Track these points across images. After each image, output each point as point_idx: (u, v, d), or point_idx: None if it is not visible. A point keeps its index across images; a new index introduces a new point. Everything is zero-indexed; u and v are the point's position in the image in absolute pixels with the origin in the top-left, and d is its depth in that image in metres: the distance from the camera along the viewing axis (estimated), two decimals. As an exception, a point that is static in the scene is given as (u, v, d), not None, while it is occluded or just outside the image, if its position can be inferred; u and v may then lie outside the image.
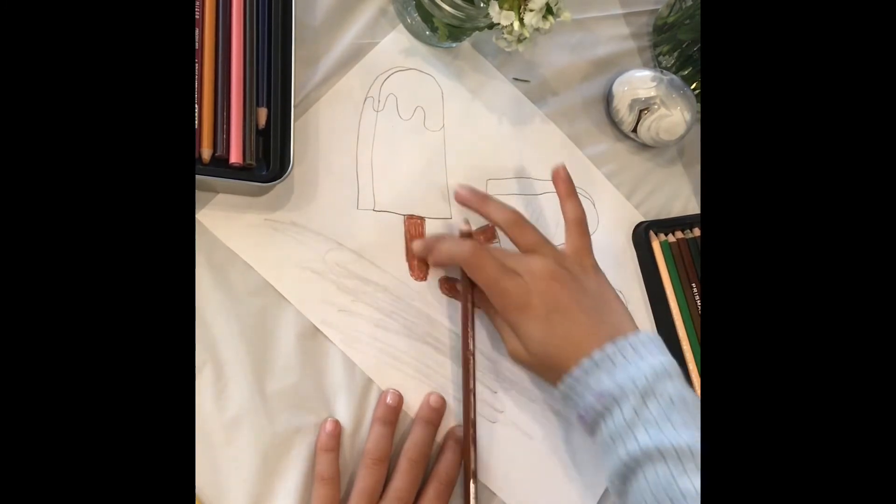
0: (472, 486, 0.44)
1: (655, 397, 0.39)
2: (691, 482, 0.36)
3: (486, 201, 0.47)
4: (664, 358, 0.42)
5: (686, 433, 0.38)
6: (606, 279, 0.46)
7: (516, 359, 0.46)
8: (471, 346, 0.46)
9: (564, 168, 0.48)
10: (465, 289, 0.47)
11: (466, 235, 0.49)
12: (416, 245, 0.48)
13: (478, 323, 0.49)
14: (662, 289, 0.55)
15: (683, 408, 0.40)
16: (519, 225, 0.46)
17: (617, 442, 0.40)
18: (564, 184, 0.48)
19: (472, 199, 0.48)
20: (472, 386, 0.46)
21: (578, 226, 0.47)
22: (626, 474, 0.39)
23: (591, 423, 0.42)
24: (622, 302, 0.46)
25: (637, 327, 0.44)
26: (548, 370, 0.44)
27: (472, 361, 0.46)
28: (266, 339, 0.44)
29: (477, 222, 0.51)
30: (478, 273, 0.45)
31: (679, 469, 0.37)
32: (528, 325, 0.43)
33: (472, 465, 0.44)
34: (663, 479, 0.37)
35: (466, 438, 0.45)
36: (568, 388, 0.42)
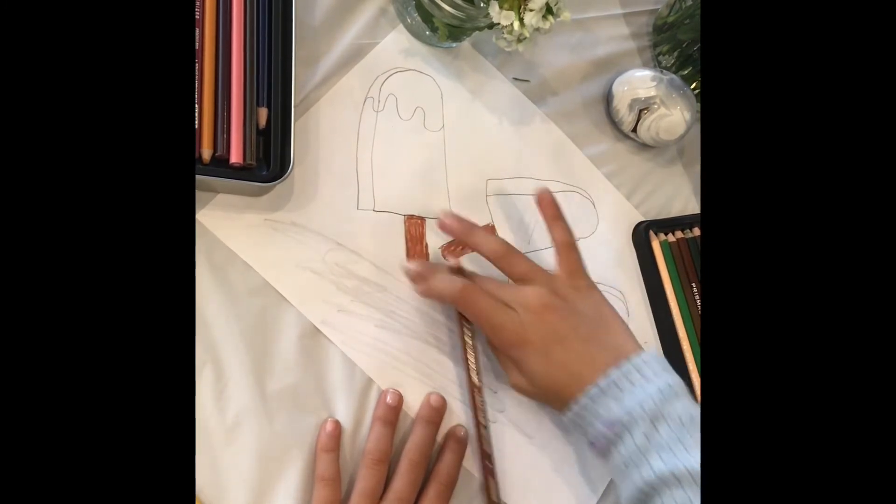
0: (491, 481, 0.45)
1: (665, 420, 0.39)
2: None
3: (472, 232, 0.46)
4: (669, 377, 0.41)
5: (699, 454, 0.38)
6: (603, 297, 0.45)
7: (520, 390, 0.45)
8: (476, 380, 0.46)
9: (549, 192, 0.47)
10: (460, 326, 0.47)
11: (457, 271, 0.46)
12: (410, 270, 0.46)
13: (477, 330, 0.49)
14: (662, 289, 0.55)
15: (693, 427, 0.40)
16: (508, 256, 0.45)
17: (631, 468, 0.39)
18: (550, 208, 0.47)
19: (458, 229, 0.46)
20: (481, 420, 0.45)
21: (568, 248, 0.46)
22: (644, 500, 0.39)
23: (603, 449, 0.41)
24: (621, 319, 0.45)
25: (639, 345, 0.44)
26: (554, 400, 0.44)
27: (476, 395, 0.46)
28: (266, 339, 0.44)
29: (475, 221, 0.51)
30: (470, 311, 0.44)
31: (695, 492, 0.37)
32: (527, 359, 0.43)
33: (490, 463, 0.45)
34: (680, 503, 0.37)
35: (480, 443, 0.45)
36: (576, 416, 0.42)
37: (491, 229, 0.51)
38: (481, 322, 0.44)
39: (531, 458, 0.48)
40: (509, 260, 0.45)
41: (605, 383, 0.41)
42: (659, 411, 0.39)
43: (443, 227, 0.46)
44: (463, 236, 0.46)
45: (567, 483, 0.48)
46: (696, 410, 0.41)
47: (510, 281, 0.46)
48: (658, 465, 0.38)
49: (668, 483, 0.38)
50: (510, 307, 0.43)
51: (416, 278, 0.46)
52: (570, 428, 0.44)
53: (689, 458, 0.38)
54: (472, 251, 0.47)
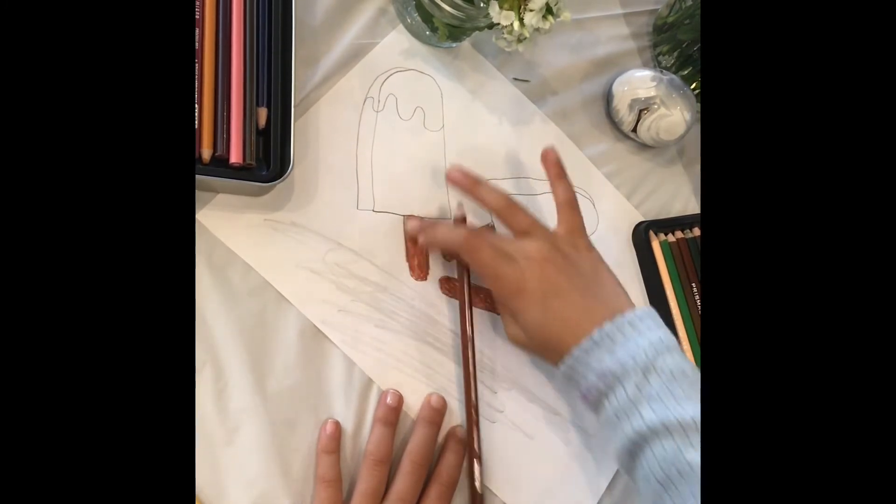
0: (476, 467, 0.44)
1: (656, 372, 0.40)
2: (697, 454, 0.37)
3: (478, 185, 0.47)
4: (661, 332, 0.42)
5: (689, 406, 0.39)
6: (600, 256, 0.47)
7: (516, 342, 0.46)
8: (469, 332, 0.46)
9: (554, 150, 0.48)
10: (461, 277, 0.48)
11: (461, 221, 0.49)
12: (411, 224, 0.48)
13: (477, 322, 0.49)
14: (662, 288, 0.55)
15: (684, 380, 0.40)
16: (511, 208, 0.46)
17: (622, 419, 0.40)
18: (555, 166, 0.48)
19: (464, 182, 0.47)
20: (472, 370, 0.46)
21: (570, 206, 0.47)
22: (634, 450, 0.40)
23: (595, 401, 0.42)
24: (617, 279, 0.46)
25: (633, 303, 0.44)
26: (548, 352, 0.44)
27: (471, 347, 0.46)
28: (266, 339, 0.44)
29: (476, 216, 0.51)
30: (473, 257, 0.45)
31: (685, 442, 0.38)
32: (525, 309, 0.43)
33: (477, 448, 0.45)
34: (670, 452, 0.38)
35: (470, 425, 0.45)
36: (569, 369, 0.42)
37: (491, 229, 0.51)
38: (484, 270, 0.44)
39: (531, 458, 0.48)
40: (512, 212, 0.46)
41: (599, 335, 0.41)
42: (650, 364, 0.40)
43: (449, 179, 0.47)
44: (468, 188, 0.47)
45: (567, 483, 0.48)
46: (686, 365, 0.41)
47: (511, 235, 0.47)
48: (649, 415, 0.39)
49: (658, 432, 0.38)
50: (512, 258, 0.44)
51: (419, 231, 0.47)
52: (563, 381, 0.44)
53: (680, 409, 0.39)
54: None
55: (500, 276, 0.44)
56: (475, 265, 0.45)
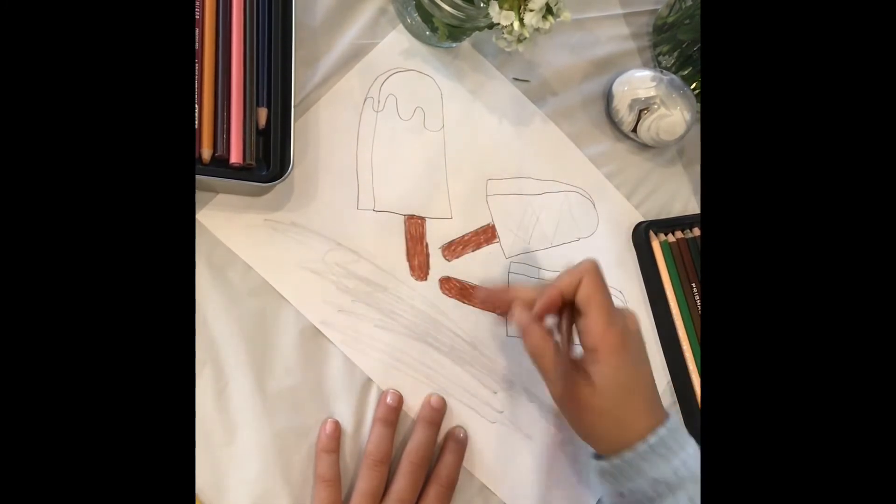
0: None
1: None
2: None
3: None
4: (693, 441, 0.42)
5: None
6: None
7: (582, 403, 0.42)
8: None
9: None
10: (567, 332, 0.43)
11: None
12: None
13: (477, 323, 0.49)
14: (662, 289, 0.55)
15: None
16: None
17: None
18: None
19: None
20: None
21: (635, 317, 0.44)
22: None
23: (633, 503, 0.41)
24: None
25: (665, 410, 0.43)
26: (612, 424, 0.41)
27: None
28: (266, 339, 0.44)
29: (475, 221, 0.51)
30: (600, 290, 0.41)
31: None
32: (617, 366, 0.41)
33: None
34: None
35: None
36: (616, 469, 0.41)
37: (490, 230, 0.51)
38: (605, 306, 0.41)
39: (531, 458, 0.48)
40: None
41: (656, 440, 0.40)
42: (697, 474, 0.39)
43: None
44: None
45: (566, 483, 0.48)
46: None
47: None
48: None
49: None
50: (622, 315, 0.42)
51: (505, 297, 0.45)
52: (598, 473, 0.42)
53: None
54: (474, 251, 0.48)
55: (614, 323, 0.41)
56: (599, 297, 0.41)
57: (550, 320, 0.43)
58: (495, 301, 0.47)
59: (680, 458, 0.40)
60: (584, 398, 0.41)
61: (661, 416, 0.42)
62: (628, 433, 0.41)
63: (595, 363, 0.41)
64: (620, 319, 0.42)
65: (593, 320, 0.41)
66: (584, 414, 0.42)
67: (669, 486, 0.39)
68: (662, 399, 0.53)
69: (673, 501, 0.39)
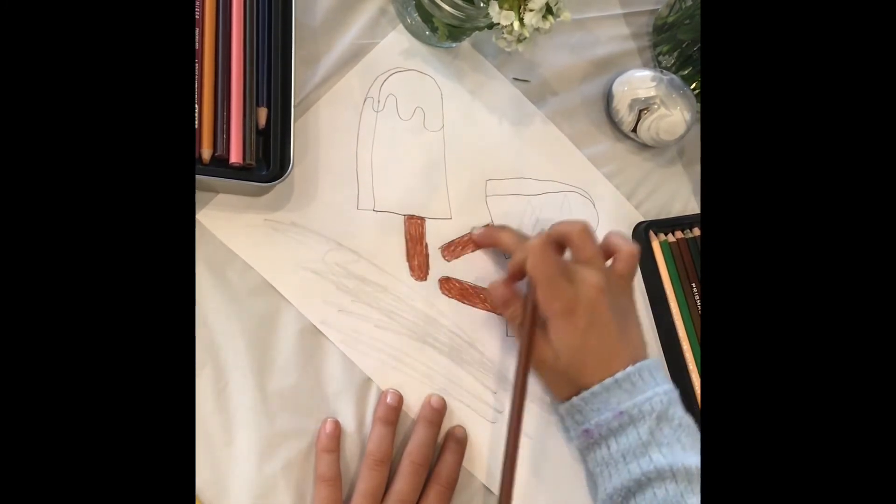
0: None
1: (668, 421, 0.43)
2: (697, 500, 0.40)
3: (557, 224, 0.48)
4: (669, 385, 0.45)
5: (693, 456, 0.42)
6: (635, 304, 0.48)
7: (543, 363, 0.45)
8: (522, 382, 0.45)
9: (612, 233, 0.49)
10: (527, 313, 0.45)
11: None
12: (480, 231, 0.50)
13: (477, 323, 0.49)
14: (662, 288, 0.55)
15: (690, 432, 0.43)
16: (585, 234, 0.47)
17: (629, 459, 0.42)
18: (610, 235, 0.49)
19: (550, 230, 0.48)
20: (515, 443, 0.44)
21: (633, 256, 0.47)
22: (634, 490, 0.42)
23: (598, 438, 0.43)
24: (641, 326, 0.48)
25: (647, 353, 0.46)
26: (566, 380, 0.45)
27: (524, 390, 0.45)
28: (266, 339, 0.44)
29: (475, 221, 0.51)
30: (539, 265, 0.45)
31: (687, 488, 0.41)
32: (567, 331, 0.44)
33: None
34: (672, 495, 0.40)
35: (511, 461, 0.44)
36: (583, 402, 0.44)
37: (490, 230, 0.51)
38: (544, 278, 0.44)
39: (531, 458, 0.48)
40: (584, 238, 0.47)
41: (622, 376, 0.43)
42: (664, 411, 0.43)
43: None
44: (552, 229, 0.48)
45: (566, 483, 0.48)
46: (689, 419, 0.44)
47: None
48: (658, 458, 0.41)
49: (664, 475, 0.41)
50: (572, 279, 0.45)
51: (486, 237, 0.50)
52: (565, 416, 0.45)
53: (685, 457, 0.41)
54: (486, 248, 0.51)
55: (558, 292, 0.44)
56: (538, 272, 0.44)
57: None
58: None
59: (646, 395, 0.43)
60: (542, 357, 0.45)
61: (640, 355, 0.45)
62: (605, 370, 0.44)
63: (549, 329, 0.45)
64: (568, 289, 0.44)
65: (538, 294, 0.44)
66: (543, 371, 0.47)
67: (632, 417, 0.42)
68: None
69: (634, 432, 0.42)
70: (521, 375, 0.45)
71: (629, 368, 0.43)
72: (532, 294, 0.45)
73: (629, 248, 0.48)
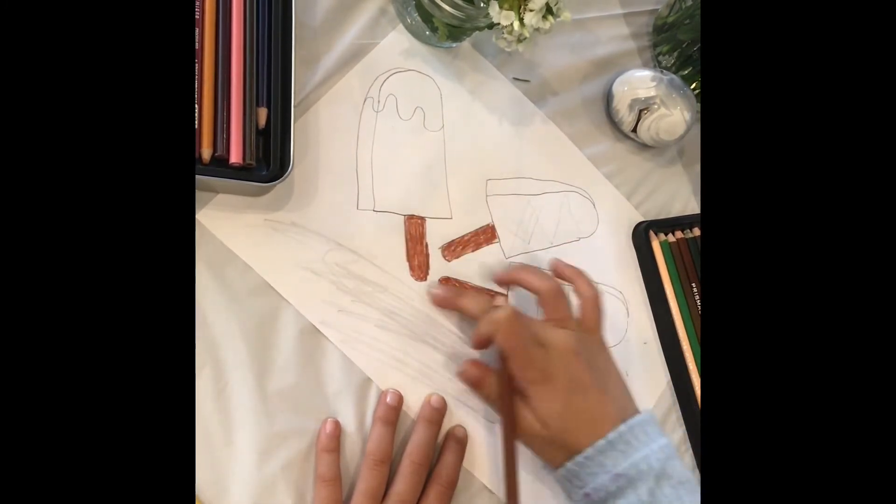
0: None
1: (667, 479, 0.41)
2: None
3: (526, 271, 0.48)
4: (664, 439, 0.43)
5: None
6: (612, 357, 0.47)
7: (529, 434, 0.44)
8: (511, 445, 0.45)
9: (558, 261, 0.50)
10: (502, 380, 0.45)
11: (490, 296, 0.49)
12: (438, 293, 0.48)
13: (474, 322, 0.49)
14: (662, 288, 0.55)
15: (690, 489, 0.42)
16: (558, 297, 0.46)
17: None
18: (568, 268, 0.49)
19: (513, 276, 0.48)
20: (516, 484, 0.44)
21: (595, 303, 0.47)
22: None
23: (598, 501, 0.42)
24: (625, 381, 0.46)
25: (637, 407, 0.45)
26: (557, 448, 0.43)
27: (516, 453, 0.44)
28: (266, 340, 0.44)
29: (475, 221, 0.51)
30: (510, 338, 0.43)
31: None
32: (548, 399, 0.43)
33: None
34: None
35: None
36: (578, 467, 0.42)
37: (490, 230, 0.51)
38: (516, 351, 0.43)
39: (531, 458, 0.48)
40: (557, 301, 0.46)
41: (614, 437, 0.42)
42: (663, 469, 0.41)
43: (496, 279, 0.50)
44: (517, 279, 0.48)
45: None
46: (687, 472, 0.43)
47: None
48: None
49: None
50: (544, 345, 0.44)
51: (449, 302, 0.48)
52: (562, 481, 0.44)
53: None
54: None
55: (532, 361, 0.43)
56: (509, 345, 0.43)
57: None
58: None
59: (641, 453, 0.41)
60: (528, 428, 0.44)
61: (629, 411, 0.44)
62: (595, 432, 0.42)
63: (529, 398, 0.43)
64: (542, 356, 0.43)
65: (512, 366, 0.43)
66: (531, 442, 0.45)
67: (630, 479, 0.41)
68: (663, 399, 0.53)
69: (633, 494, 0.41)
70: (509, 451, 0.44)
71: (621, 427, 0.42)
72: (505, 366, 0.44)
73: (589, 293, 0.47)
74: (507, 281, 0.50)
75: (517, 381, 0.44)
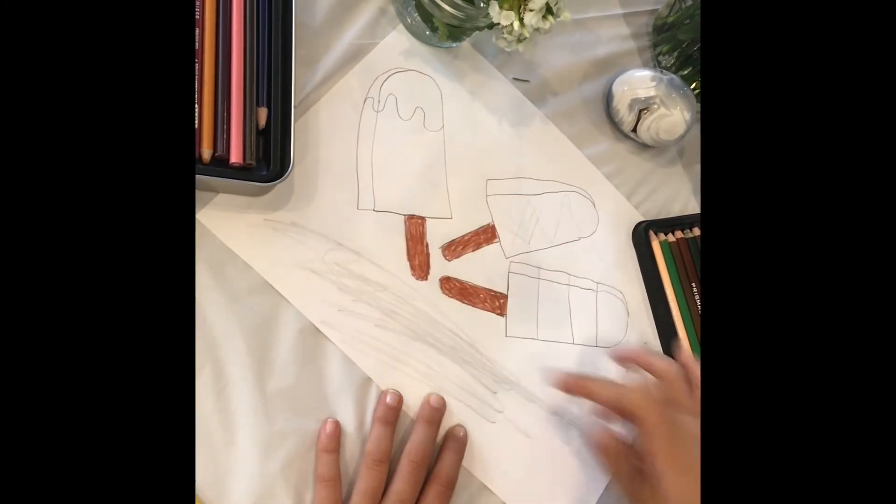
0: None
1: None
2: None
3: (647, 354, 0.49)
4: None
5: None
6: None
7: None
8: None
9: (618, 350, 0.51)
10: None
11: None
12: (567, 380, 0.47)
13: (477, 322, 0.49)
14: (662, 288, 0.55)
15: None
16: (686, 382, 0.46)
17: None
18: (632, 352, 0.50)
19: (632, 355, 0.49)
20: None
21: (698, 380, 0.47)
22: None
23: None
24: None
25: None
26: None
27: None
28: (266, 339, 0.44)
29: (475, 221, 0.51)
30: (658, 422, 0.43)
31: None
32: (688, 488, 0.41)
33: None
34: None
35: None
36: None
37: (490, 229, 0.51)
38: (664, 433, 0.42)
39: (531, 458, 0.48)
40: (688, 387, 0.46)
41: None
42: None
43: (617, 357, 0.50)
44: (642, 363, 0.49)
45: (566, 483, 0.48)
46: None
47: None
48: None
49: None
50: (684, 431, 0.43)
51: (574, 387, 0.47)
52: None
53: None
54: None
55: (679, 449, 0.42)
56: (658, 432, 0.42)
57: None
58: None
59: None
60: (647, 501, 0.43)
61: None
62: None
63: (660, 483, 0.42)
64: (686, 443, 0.42)
65: (653, 446, 0.42)
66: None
67: None
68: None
69: None
70: None
71: None
72: (641, 444, 0.43)
73: (695, 372, 0.47)
74: (629, 360, 0.50)
75: (648, 461, 0.42)
